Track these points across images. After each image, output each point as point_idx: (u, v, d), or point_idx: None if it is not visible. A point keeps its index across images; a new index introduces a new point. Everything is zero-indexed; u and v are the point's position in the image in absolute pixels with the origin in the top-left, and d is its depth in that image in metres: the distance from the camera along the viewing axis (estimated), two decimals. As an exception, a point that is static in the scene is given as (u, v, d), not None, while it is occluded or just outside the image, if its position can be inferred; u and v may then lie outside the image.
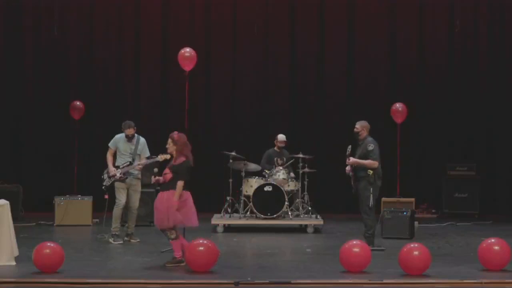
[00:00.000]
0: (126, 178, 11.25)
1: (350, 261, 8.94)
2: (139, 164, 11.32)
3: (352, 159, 10.78)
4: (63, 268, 8.85)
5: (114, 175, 11.28)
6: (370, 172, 10.68)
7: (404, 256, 8.89)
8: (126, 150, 11.38)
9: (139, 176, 11.57)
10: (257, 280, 8.39)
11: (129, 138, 11.45)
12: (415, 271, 8.76)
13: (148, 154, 11.46)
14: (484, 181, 15.68)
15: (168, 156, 10.33)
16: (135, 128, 11.50)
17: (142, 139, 11.58)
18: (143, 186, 12.26)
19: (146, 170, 12.93)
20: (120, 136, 11.51)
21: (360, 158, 10.78)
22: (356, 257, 8.93)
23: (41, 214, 14.25)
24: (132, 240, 11.45)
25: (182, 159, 9.51)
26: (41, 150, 15.87)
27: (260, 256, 10.49)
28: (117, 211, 11.38)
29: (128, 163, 11.27)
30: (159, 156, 10.49)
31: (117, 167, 11.34)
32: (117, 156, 11.47)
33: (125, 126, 11.48)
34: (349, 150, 10.83)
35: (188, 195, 9.50)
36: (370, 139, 10.87)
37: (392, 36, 16.27)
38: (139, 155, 11.45)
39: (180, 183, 9.35)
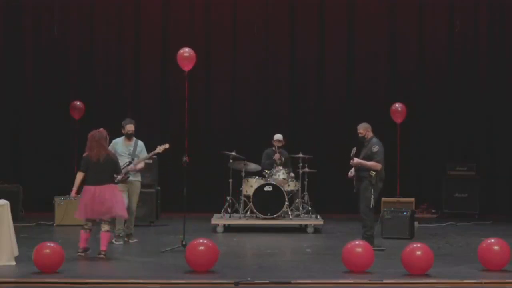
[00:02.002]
0: (128, 177, 11.19)
1: (353, 261, 8.94)
2: (140, 160, 11.27)
3: (355, 160, 10.80)
4: (63, 268, 8.85)
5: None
6: (373, 173, 10.68)
7: (407, 256, 8.89)
8: (124, 151, 11.35)
9: (139, 178, 11.58)
10: (257, 280, 8.39)
11: (129, 136, 11.46)
12: (418, 270, 8.77)
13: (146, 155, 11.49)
14: (484, 181, 15.69)
15: (167, 146, 10.96)
16: (135, 125, 11.52)
17: (140, 142, 11.61)
18: (143, 186, 12.21)
19: (146, 170, 12.90)
20: (117, 140, 11.51)
21: (364, 158, 10.79)
22: (359, 257, 8.93)
23: (41, 214, 14.25)
24: (130, 241, 11.42)
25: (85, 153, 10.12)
26: (41, 150, 15.86)
27: (260, 256, 10.49)
28: None
29: (128, 163, 11.26)
30: (158, 148, 11.03)
31: None
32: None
33: (126, 122, 11.54)
34: (354, 151, 10.85)
35: (91, 188, 9.90)
36: (375, 140, 10.88)
37: (392, 36, 16.26)
38: (138, 156, 11.44)
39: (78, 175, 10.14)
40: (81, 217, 10.02)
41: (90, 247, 10.10)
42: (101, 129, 10.16)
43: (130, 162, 11.27)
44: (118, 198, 10.10)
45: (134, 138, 11.55)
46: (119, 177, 11.16)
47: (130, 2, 16.24)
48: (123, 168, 11.27)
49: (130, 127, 11.49)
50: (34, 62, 16.14)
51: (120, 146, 11.44)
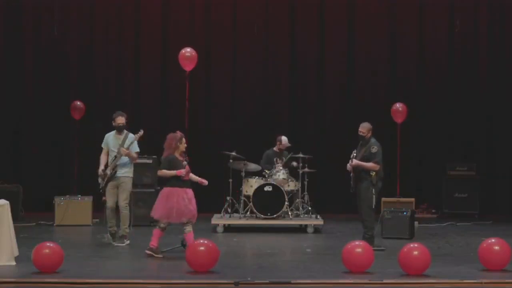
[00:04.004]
0: (116, 172, 11.08)
1: (352, 261, 8.94)
2: (122, 150, 11.05)
3: (354, 161, 10.80)
4: (63, 268, 8.85)
5: (100, 174, 11.17)
6: (373, 173, 10.70)
7: (403, 256, 8.90)
8: (115, 145, 11.16)
9: (130, 174, 11.27)
10: (257, 280, 8.39)
11: (119, 129, 11.19)
12: (415, 271, 8.77)
13: (137, 149, 11.24)
14: (484, 181, 15.69)
15: (141, 132, 11.03)
16: (126, 118, 11.30)
17: (131, 134, 11.23)
18: (143, 186, 12.18)
19: (146, 170, 12.88)
20: (109, 134, 11.34)
21: (363, 158, 10.79)
22: (359, 257, 8.92)
23: (41, 214, 14.25)
24: (119, 244, 11.09)
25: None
26: (41, 150, 15.86)
27: (260, 256, 10.50)
28: (106, 212, 11.25)
29: (114, 157, 11.13)
30: (134, 136, 11.07)
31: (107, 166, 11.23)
32: (109, 155, 11.32)
33: (116, 115, 11.26)
34: (354, 154, 10.86)
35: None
36: (373, 140, 10.89)
37: (392, 36, 16.26)
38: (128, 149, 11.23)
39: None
40: (164, 220, 10.11)
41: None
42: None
43: (116, 157, 11.13)
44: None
45: (125, 131, 11.24)
46: (109, 174, 11.11)
47: (130, 2, 16.24)
48: (111, 163, 11.14)
49: (120, 120, 11.21)
50: (34, 62, 16.14)
51: (111, 140, 11.26)
